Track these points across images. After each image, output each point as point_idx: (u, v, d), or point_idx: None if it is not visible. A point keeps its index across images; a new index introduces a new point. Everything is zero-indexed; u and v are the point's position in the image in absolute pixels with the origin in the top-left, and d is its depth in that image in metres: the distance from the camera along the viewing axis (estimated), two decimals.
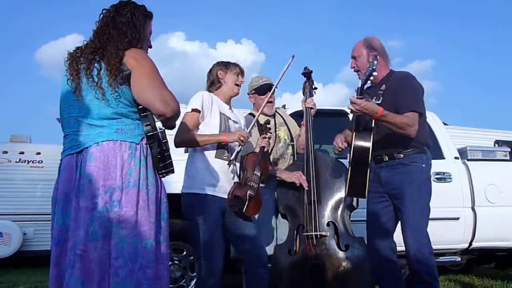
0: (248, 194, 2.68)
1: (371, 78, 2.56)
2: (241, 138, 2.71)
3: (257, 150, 2.91)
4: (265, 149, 2.91)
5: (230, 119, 2.92)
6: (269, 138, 2.97)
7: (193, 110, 2.78)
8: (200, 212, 2.69)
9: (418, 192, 2.78)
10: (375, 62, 2.50)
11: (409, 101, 2.71)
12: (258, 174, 2.77)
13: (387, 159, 2.85)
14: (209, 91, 2.96)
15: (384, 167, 2.87)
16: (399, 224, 2.91)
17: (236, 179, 2.84)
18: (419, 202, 2.77)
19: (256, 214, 2.90)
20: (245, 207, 2.68)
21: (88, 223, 1.74)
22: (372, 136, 2.67)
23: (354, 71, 2.94)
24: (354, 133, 2.70)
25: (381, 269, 2.89)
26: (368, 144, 2.66)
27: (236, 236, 2.78)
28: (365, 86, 2.61)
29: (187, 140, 2.72)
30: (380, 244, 2.88)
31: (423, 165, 2.82)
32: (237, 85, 2.97)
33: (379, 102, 2.59)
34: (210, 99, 2.85)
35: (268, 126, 3.01)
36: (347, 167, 2.97)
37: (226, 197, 2.72)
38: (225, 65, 2.98)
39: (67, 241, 1.79)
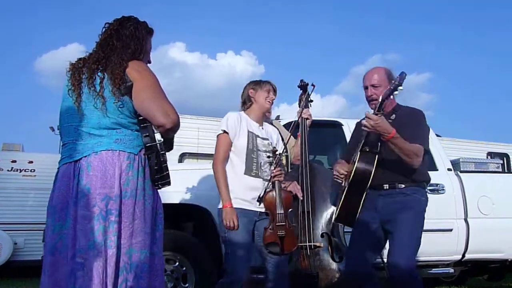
0: (278, 236, 2.75)
1: (395, 92, 2.48)
2: (228, 224, 2.73)
3: (274, 186, 2.86)
4: (281, 182, 2.88)
5: (259, 136, 2.97)
6: (281, 169, 2.92)
7: (223, 131, 2.90)
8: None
9: (414, 218, 2.70)
10: (403, 76, 2.45)
11: (418, 134, 2.70)
12: (282, 211, 2.79)
13: (387, 187, 2.75)
14: (242, 110, 3.07)
15: (383, 195, 2.75)
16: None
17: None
18: (413, 228, 2.68)
19: (295, 247, 2.91)
20: (281, 248, 2.77)
21: (89, 231, 1.75)
22: (376, 161, 2.62)
23: (371, 100, 2.81)
24: (359, 152, 2.64)
25: (356, 278, 2.75)
26: (371, 168, 2.60)
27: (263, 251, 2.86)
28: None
29: (218, 170, 2.83)
30: (360, 256, 2.74)
31: (423, 198, 2.77)
32: (268, 101, 3.04)
33: None
34: (238, 119, 2.93)
35: (276, 152, 2.93)
36: (342, 189, 2.82)
37: (255, 209, 2.84)
38: (256, 83, 3.07)
39: (59, 249, 1.80)
